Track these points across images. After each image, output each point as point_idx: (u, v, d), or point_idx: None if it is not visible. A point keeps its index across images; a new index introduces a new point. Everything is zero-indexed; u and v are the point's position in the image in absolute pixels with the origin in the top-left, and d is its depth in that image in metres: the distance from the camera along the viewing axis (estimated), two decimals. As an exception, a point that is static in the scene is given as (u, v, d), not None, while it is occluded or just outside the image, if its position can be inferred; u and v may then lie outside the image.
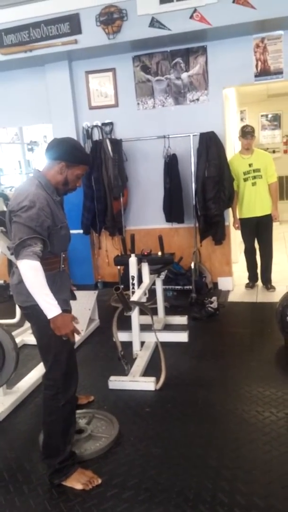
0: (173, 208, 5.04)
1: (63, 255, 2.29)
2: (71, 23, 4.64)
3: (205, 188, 4.71)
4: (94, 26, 4.59)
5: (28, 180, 2.23)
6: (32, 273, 2.00)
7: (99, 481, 2.26)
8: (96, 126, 5.24)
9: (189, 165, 4.90)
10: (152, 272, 3.90)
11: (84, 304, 4.26)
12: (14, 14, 4.76)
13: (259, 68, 4.68)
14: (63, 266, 2.29)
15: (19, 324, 4.22)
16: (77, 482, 2.24)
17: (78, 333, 2.15)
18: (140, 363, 3.43)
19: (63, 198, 2.35)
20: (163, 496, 2.14)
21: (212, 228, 4.92)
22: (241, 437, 2.54)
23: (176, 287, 5.12)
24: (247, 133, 4.79)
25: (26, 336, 4.02)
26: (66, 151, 2.19)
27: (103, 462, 2.42)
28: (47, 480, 2.29)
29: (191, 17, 4.32)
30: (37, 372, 3.36)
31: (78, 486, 2.23)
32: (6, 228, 2.28)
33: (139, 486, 2.22)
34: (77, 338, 3.89)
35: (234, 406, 2.84)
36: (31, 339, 3.53)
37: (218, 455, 2.40)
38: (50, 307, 2.01)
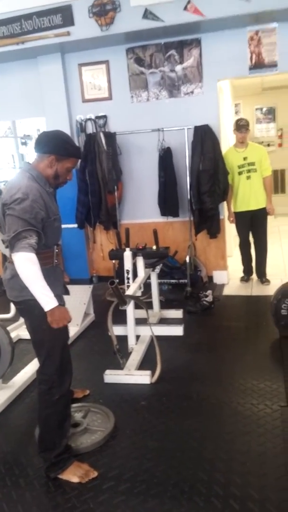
0: (167, 202, 5.04)
1: (57, 250, 2.28)
2: (64, 14, 4.59)
3: (200, 182, 4.71)
4: (86, 17, 4.55)
5: (20, 174, 2.21)
6: (28, 265, 1.99)
7: (95, 474, 2.26)
8: (90, 119, 5.21)
9: (184, 159, 4.89)
10: (147, 266, 3.90)
11: (79, 299, 4.25)
12: (6, 6, 4.70)
13: (253, 61, 4.66)
14: (56, 261, 2.28)
15: (14, 319, 4.21)
16: (73, 475, 2.25)
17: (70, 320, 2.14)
18: (135, 357, 3.44)
19: (55, 190, 2.34)
20: (158, 488, 2.15)
21: (207, 222, 4.93)
22: (235, 429, 2.55)
23: (171, 281, 5.12)
24: (241, 126, 4.77)
25: (21, 331, 4.01)
26: (55, 144, 2.18)
27: (99, 455, 2.42)
28: (43, 473, 2.29)
29: (185, 8, 4.29)
30: (33, 366, 3.35)
31: (75, 479, 2.23)
32: (-1, 221, 2.26)
33: (135, 479, 2.23)
34: (72, 333, 3.89)
35: (229, 399, 2.86)
36: (26, 334, 3.48)
37: (213, 448, 2.41)
38: (47, 299, 2.01)
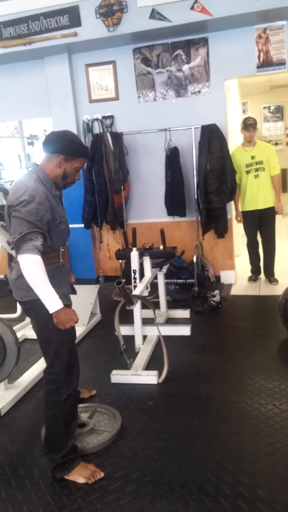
0: (174, 202, 5.02)
1: (62, 250, 2.28)
2: (71, 15, 4.60)
3: (207, 181, 4.68)
4: (93, 18, 4.55)
5: (27, 175, 2.21)
6: (33, 267, 1.98)
7: (102, 474, 2.25)
8: (97, 119, 5.21)
9: (191, 158, 4.88)
10: (154, 266, 3.89)
11: (86, 298, 4.25)
12: (13, 7, 4.71)
13: (261, 59, 4.63)
14: (62, 260, 2.28)
15: (20, 319, 4.21)
16: (79, 476, 2.23)
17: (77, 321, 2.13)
18: (142, 356, 3.43)
19: (62, 192, 2.34)
20: (166, 489, 2.14)
21: (214, 221, 4.90)
22: (244, 430, 2.53)
23: (178, 280, 5.11)
24: (249, 125, 4.75)
25: (27, 331, 4.01)
26: (64, 144, 2.17)
27: (105, 456, 2.41)
28: (49, 474, 2.28)
29: (192, 8, 4.27)
30: (39, 366, 3.36)
31: (81, 480, 2.22)
32: (5, 222, 2.26)
33: (142, 479, 2.21)
34: (79, 332, 3.89)
35: (237, 399, 2.83)
36: (32, 334, 3.50)
37: (221, 448, 2.39)
38: (52, 302, 2.00)
